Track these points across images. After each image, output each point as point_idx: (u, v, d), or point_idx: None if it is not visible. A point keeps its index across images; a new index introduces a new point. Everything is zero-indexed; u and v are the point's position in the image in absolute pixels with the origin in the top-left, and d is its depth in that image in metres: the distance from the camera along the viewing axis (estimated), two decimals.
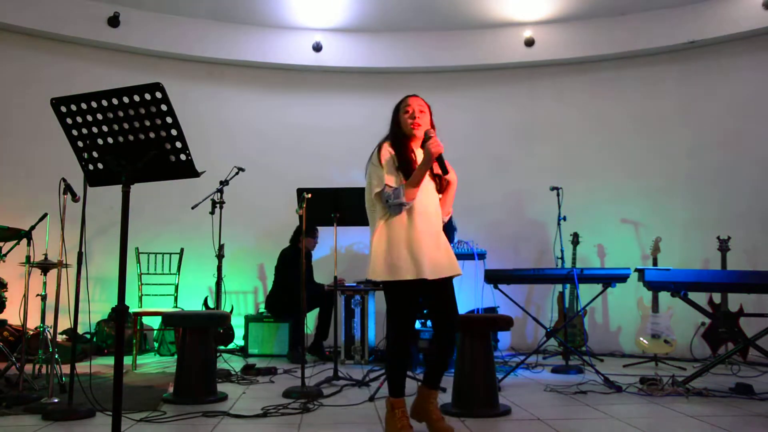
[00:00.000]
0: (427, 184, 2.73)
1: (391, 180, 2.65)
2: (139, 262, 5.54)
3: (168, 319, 4.16)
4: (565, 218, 5.45)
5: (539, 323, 4.69)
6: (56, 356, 3.48)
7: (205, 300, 5.88)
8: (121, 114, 2.12)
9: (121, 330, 2.06)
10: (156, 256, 5.63)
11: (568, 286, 5.28)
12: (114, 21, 6.05)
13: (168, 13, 6.30)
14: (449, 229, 4.78)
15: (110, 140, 2.18)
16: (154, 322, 5.98)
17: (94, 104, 2.13)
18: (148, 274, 5.57)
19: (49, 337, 3.71)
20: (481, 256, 5.30)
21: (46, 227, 3.87)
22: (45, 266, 3.71)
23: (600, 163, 6.36)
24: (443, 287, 2.74)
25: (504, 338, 6.17)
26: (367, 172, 2.81)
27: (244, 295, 6.49)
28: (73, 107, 2.15)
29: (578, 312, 5.38)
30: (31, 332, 4.70)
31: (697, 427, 2.87)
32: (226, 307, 5.67)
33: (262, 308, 6.09)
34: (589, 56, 6.41)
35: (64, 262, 3.40)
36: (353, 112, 6.78)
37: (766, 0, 5.57)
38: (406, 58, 6.70)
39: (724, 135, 5.93)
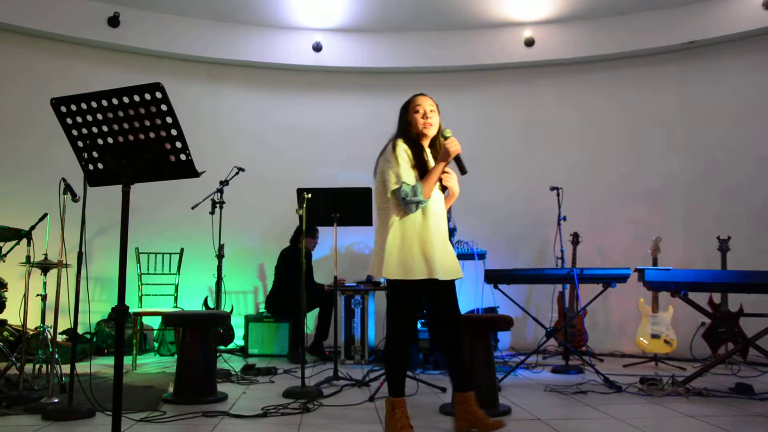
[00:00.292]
0: (436, 186, 2.74)
1: (408, 177, 2.63)
2: (139, 262, 5.54)
3: (168, 319, 4.16)
4: (565, 218, 5.45)
5: (539, 323, 4.69)
6: (56, 356, 3.48)
7: (205, 300, 5.88)
8: (121, 114, 2.12)
9: (121, 330, 2.06)
10: (156, 256, 5.63)
11: (568, 286, 5.28)
12: (114, 21, 6.05)
13: (168, 13, 6.30)
14: (450, 229, 4.78)
15: (110, 140, 2.18)
16: (154, 322, 5.98)
17: (94, 104, 2.13)
18: (148, 274, 5.57)
19: (49, 337, 3.71)
20: (481, 256, 5.30)
21: (46, 227, 3.87)
22: (45, 266, 3.71)
23: (600, 162, 6.37)
24: (449, 289, 2.75)
25: (504, 338, 6.17)
26: (378, 169, 2.77)
27: (244, 295, 6.49)
28: (73, 107, 2.15)
29: (578, 312, 5.37)
30: (31, 332, 4.70)
31: (697, 427, 2.87)
32: (226, 307, 5.67)
33: (262, 308, 6.09)
34: (589, 56, 6.41)
35: (64, 262, 3.40)
36: (353, 112, 6.78)
37: (766, 0, 5.57)
38: (406, 58, 6.70)
39: (724, 135, 5.93)
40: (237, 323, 5.88)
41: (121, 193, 2.12)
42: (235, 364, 4.74)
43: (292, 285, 5.33)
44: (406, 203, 2.62)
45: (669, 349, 5.03)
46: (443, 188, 2.81)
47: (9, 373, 3.85)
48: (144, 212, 5.61)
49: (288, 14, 6.40)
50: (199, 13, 6.33)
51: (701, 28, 5.93)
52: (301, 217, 3.89)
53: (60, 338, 5.06)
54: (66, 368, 3.70)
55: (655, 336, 5.06)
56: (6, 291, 4.01)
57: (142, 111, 2.10)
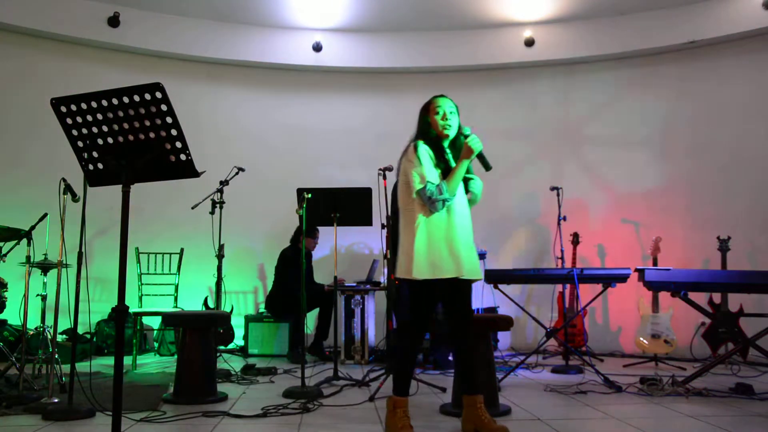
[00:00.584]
0: (459, 184, 2.75)
1: (432, 176, 2.65)
2: (139, 262, 5.54)
3: (168, 319, 4.16)
4: (565, 218, 5.45)
5: (539, 323, 4.69)
6: (56, 356, 3.48)
7: (205, 300, 5.88)
8: (121, 114, 2.12)
9: (121, 330, 2.06)
10: (156, 256, 5.63)
11: (568, 286, 5.28)
12: (114, 21, 6.05)
13: (168, 13, 6.30)
14: None
15: (110, 140, 2.18)
16: (154, 322, 5.98)
17: (94, 104, 2.13)
18: (148, 274, 5.57)
19: (49, 337, 3.71)
20: (481, 256, 5.30)
21: (46, 227, 3.87)
22: (45, 266, 3.71)
23: (600, 162, 6.37)
24: (466, 290, 2.76)
25: (504, 338, 6.17)
26: (401, 171, 2.76)
27: (244, 295, 6.49)
28: (73, 107, 2.15)
29: (578, 312, 5.37)
30: (31, 332, 4.70)
31: (697, 427, 2.87)
32: (226, 307, 5.67)
33: (262, 308, 6.09)
34: (589, 56, 6.41)
35: (64, 262, 3.40)
36: (353, 112, 6.78)
37: (766, 0, 5.57)
38: (406, 58, 6.70)
39: (724, 135, 5.93)
40: (237, 323, 5.88)
41: (121, 193, 2.12)
42: (235, 364, 4.74)
43: (292, 285, 5.33)
44: (432, 202, 2.62)
45: (669, 349, 5.03)
46: (467, 190, 2.83)
47: (9, 373, 3.85)
48: (144, 212, 5.61)
49: (288, 14, 6.40)
50: (199, 13, 6.33)
51: (701, 28, 5.93)
52: (301, 217, 3.89)
53: (60, 338, 5.06)
54: (66, 368, 3.70)
55: (655, 336, 5.06)
56: (6, 291, 4.01)
57: (142, 111, 2.10)
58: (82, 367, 4.15)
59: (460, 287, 2.73)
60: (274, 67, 6.70)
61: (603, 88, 6.46)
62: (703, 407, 3.27)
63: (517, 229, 6.42)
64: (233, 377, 4.23)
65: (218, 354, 4.72)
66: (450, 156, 2.80)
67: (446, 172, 2.71)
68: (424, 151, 2.70)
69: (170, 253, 5.67)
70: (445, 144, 2.81)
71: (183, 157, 2.17)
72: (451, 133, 2.76)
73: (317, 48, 6.60)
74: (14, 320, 4.88)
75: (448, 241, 2.64)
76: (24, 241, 3.73)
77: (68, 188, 3.34)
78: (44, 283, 3.72)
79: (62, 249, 3.27)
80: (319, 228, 5.62)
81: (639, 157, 6.24)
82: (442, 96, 2.84)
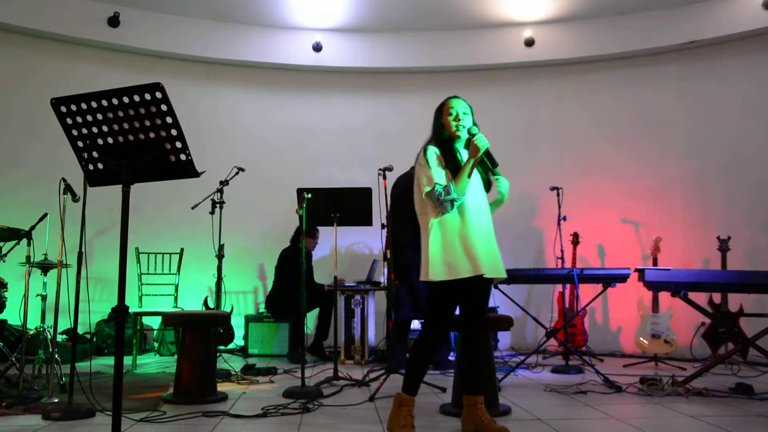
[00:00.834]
0: (476, 183, 2.74)
1: (440, 178, 2.64)
2: (139, 262, 5.53)
3: (168, 319, 4.15)
4: (565, 218, 5.45)
5: (539, 323, 4.69)
6: (56, 356, 3.48)
7: (205, 300, 5.88)
8: (121, 114, 2.12)
9: (121, 330, 2.06)
10: (156, 256, 5.63)
11: (568, 286, 5.28)
12: (114, 21, 6.06)
13: (168, 13, 6.30)
14: None
15: (110, 140, 2.18)
16: (154, 322, 5.98)
17: (94, 104, 2.13)
18: (148, 274, 5.57)
19: (49, 337, 3.71)
20: None
21: (46, 227, 3.87)
22: (45, 266, 3.71)
23: (600, 162, 6.36)
24: (485, 289, 2.75)
25: (504, 338, 6.17)
26: (416, 175, 2.78)
27: (244, 295, 6.50)
28: (73, 107, 2.15)
29: (578, 312, 5.37)
30: (31, 332, 4.70)
31: (697, 427, 2.87)
32: (226, 307, 5.67)
33: (262, 308, 6.09)
34: (589, 56, 6.42)
35: (64, 262, 3.40)
36: (353, 112, 6.79)
37: (766, 0, 5.57)
38: (406, 58, 6.70)
39: (725, 135, 5.93)
40: (237, 323, 5.88)
41: (121, 193, 2.12)
42: (235, 364, 4.74)
43: (292, 285, 5.33)
44: (440, 203, 2.62)
45: (669, 349, 5.03)
46: (488, 187, 2.81)
47: (9, 373, 3.85)
48: (144, 212, 5.61)
49: (288, 14, 6.40)
50: (199, 13, 6.33)
51: (701, 28, 5.93)
52: (301, 217, 3.89)
53: (60, 338, 5.06)
54: (66, 368, 3.70)
55: (655, 336, 5.06)
56: (6, 291, 4.01)
57: (142, 111, 2.10)
58: (82, 367, 4.15)
59: (480, 286, 2.71)
60: (274, 67, 6.70)
61: (603, 88, 6.46)
62: (703, 407, 3.27)
63: (516, 229, 6.41)
64: (233, 377, 4.23)
65: (218, 354, 4.72)
66: (465, 157, 2.80)
67: (457, 172, 2.70)
68: (433, 153, 2.71)
69: (170, 253, 5.67)
70: (460, 145, 2.81)
71: (183, 157, 2.17)
72: (464, 134, 2.75)
73: (317, 48, 6.60)
74: (14, 320, 4.88)
75: (463, 240, 2.62)
76: (24, 241, 3.73)
77: (68, 188, 3.34)
78: (44, 283, 3.72)
79: (62, 249, 3.27)
80: (319, 228, 5.62)
81: (639, 156, 6.24)
82: (455, 97, 2.84)
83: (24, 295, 3.63)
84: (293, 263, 5.36)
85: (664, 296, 4.56)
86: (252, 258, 6.50)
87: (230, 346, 5.87)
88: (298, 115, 6.76)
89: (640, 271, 3.83)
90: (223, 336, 5.70)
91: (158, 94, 2.07)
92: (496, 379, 3.33)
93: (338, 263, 4.98)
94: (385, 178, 4.22)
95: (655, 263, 5.26)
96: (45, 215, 3.89)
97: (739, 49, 5.92)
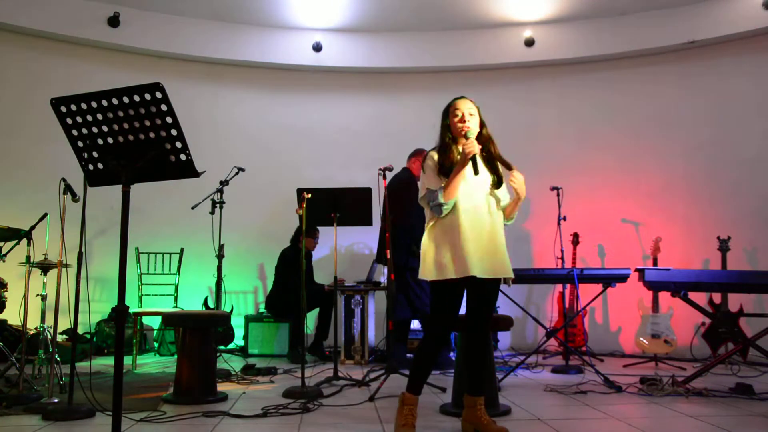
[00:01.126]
0: (477, 184, 2.72)
1: (431, 184, 2.70)
2: (139, 262, 5.54)
3: (168, 319, 4.16)
4: (565, 218, 5.45)
5: (539, 323, 4.69)
6: (56, 356, 3.48)
7: (205, 300, 5.88)
8: (121, 114, 2.12)
9: (121, 330, 2.06)
10: (156, 256, 5.63)
11: (568, 286, 5.28)
12: (114, 21, 6.06)
13: (168, 13, 6.30)
14: None
15: (110, 140, 2.18)
16: (154, 322, 5.98)
17: (94, 104, 2.13)
18: (148, 274, 5.57)
19: (49, 337, 3.71)
20: None
21: (46, 227, 3.87)
22: (45, 266, 3.71)
23: (600, 162, 6.37)
24: (490, 289, 2.73)
25: (504, 338, 6.18)
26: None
27: (244, 295, 6.50)
28: (73, 107, 2.15)
29: (578, 312, 5.38)
30: (31, 332, 4.70)
31: (697, 427, 2.87)
32: (226, 307, 5.67)
33: (262, 308, 6.09)
34: (589, 56, 6.42)
35: (64, 262, 3.40)
36: (353, 112, 6.79)
37: (766, 0, 5.57)
38: (406, 58, 6.70)
39: (725, 134, 5.93)
40: (237, 323, 5.89)
41: (121, 193, 2.12)
42: (235, 364, 4.74)
43: (292, 285, 5.33)
44: (431, 208, 2.70)
45: (669, 349, 5.03)
46: (498, 185, 2.79)
47: (9, 373, 3.85)
48: (144, 212, 5.61)
49: (288, 14, 6.40)
50: (200, 13, 6.33)
51: (701, 28, 5.93)
52: (301, 217, 3.88)
53: (60, 338, 5.06)
54: (66, 368, 3.70)
55: (655, 336, 5.06)
56: (6, 291, 4.01)
57: (142, 111, 2.10)
58: (82, 367, 4.15)
59: (481, 287, 2.70)
60: (274, 67, 6.70)
61: (603, 89, 6.46)
62: (703, 407, 3.27)
63: (516, 229, 6.41)
64: (233, 377, 4.23)
65: (218, 354, 4.72)
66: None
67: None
68: (430, 160, 2.75)
69: (170, 253, 5.67)
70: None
71: (183, 157, 2.17)
72: (470, 135, 2.74)
73: (317, 48, 6.60)
74: (14, 320, 4.87)
75: (453, 241, 2.63)
76: (24, 241, 3.73)
77: (68, 188, 3.34)
78: (44, 283, 3.72)
79: (62, 249, 3.27)
80: (319, 228, 5.62)
81: (639, 156, 6.24)
82: (461, 97, 2.83)
83: (24, 295, 3.63)
84: (293, 263, 5.36)
85: (664, 296, 4.56)
86: (252, 258, 6.50)
87: (230, 346, 5.87)
88: (298, 115, 6.76)
89: (640, 271, 3.83)
90: (223, 336, 5.70)
91: (158, 94, 2.07)
92: (496, 379, 3.33)
93: (338, 263, 4.97)
94: (385, 178, 4.22)
95: (655, 263, 5.26)
96: (45, 215, 3.89)
97: (739, 49, 5.92)
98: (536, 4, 6.17)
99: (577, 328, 5.56)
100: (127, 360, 4.85)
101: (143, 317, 5.35)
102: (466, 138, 2.68)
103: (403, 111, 6.69)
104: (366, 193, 4.19)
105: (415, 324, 5.35)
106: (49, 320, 3.64)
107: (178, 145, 2.15)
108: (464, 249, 2.60)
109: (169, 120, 2.11)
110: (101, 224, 5.87)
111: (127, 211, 2.10)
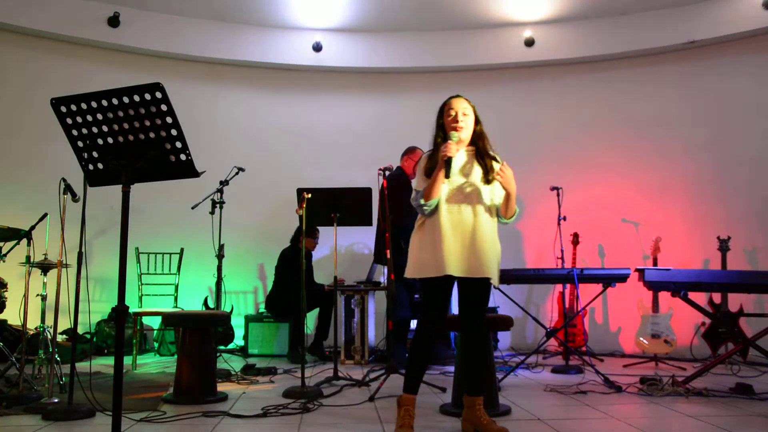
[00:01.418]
0: (467, 182, 2.73)
1: (420, 185, 2.75)
2: (139, 262, 5.54)
3: (168, 319, 4.16)
4: (565, 218, 5.45)
5: (539, 323, 4.69)
6: (56, 356, 3.48)
7: (205, 300, 5.88)
8: (121, 114, 2.12)
9: (121, 330, 2.06)
10: (156, 256, 5.63)
11: (568, 286, 5.28)
12: (114, 21, 6.06)
13: (168, 13, 6.30)
14: None
15: (110, 140, 2.18)
16: (154, 322, 5.98)
17: (94, 104, 2.13)
18: (148, 274, 5.57)
19: (49, 337, 3.71)
20: None
21: (46, 227, 3.87)
22: (45, 266, 3.71)
23: (600, 163, 6.37)
24: (478, 289, 2.74)
25: (504, 338, 6.17)
26: None
27: (244, 295, 6.49)
28: (73, 107, 2.15)
29: (578, 312, 5.37)
30: (31, 332, 4.70)
31: (697, 427, 2.87)
32: (226, 307, 5.67)
33: (262, 308, 6.09)
34: (589, 56, 6.42)
35: (64, 262, 3.40)
36: (353, 112, 6.79)
37: (766, 0, 5.57)
38: (406, 58, 6.70)
39: (725, 134, 5.93)
40: (237, 323, 5.88)
41: (121, 193, 2.12)
42: (235, 364, 4.74)
43: (292, 285, 5.33)
44: (417, 209, 2.75)
45: (669, 349, 5.03)
46: (487, 181, 2.79)
47: (9, 373, 3.85)
48: (144, 212, 5.61)
49: (288, 14, 6.40)
50: (199, 12, 6.33)
51: (701, 28, 5.93)
52: (301, 217, 3.88)
53: (60, 338, 5.06)
54: (66, 368, 3.70)
55: (655, 336, 5.06)
56: (6, 291, 4.01)
57: (142, 111, 2.10)
58: (82, 367, 4.15)
59: (468, 287, 2.73)
60: (274, 67, 6.70)
61: (603, 88, 6.46)
62: (703, 407, 3.27)
63: (516, 229, 6.42)
64: (233, 377, 4.23)
65: (218, 354, 4.72)
66: (458, 158, 2.79)
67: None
68: (422, 161, 2.80)
69: (170, 253, 5.67)
70: (462, 145, 2.80)
71: (183, 157, 2.17)
72: (463, 135, 2.74)
73: (317, 48, 6.60)
74: (14, 320, 4.87)
75: (434, 240, 2.65)
76: (24, 241, 3.73)
77: (68, 188, 3.34)
78: (44, 283, 3.72)
79: (62, 249, 3.27)
80: (319, 228, 5.63)
81: (639, 156, 6.24)
82: (456, 96, 2.83)
83: (24, 295, 3.63)
84: (293, 263, 5.36)
85: (664, 296, 4.56)
86: (252, 258, 6.50)
87: (230, 346, 5.87)
88: (298, 115, 6.75)
89: (640, 271, 3.83)
90: (223, 336, 5.70)
91: (158, 94, 2.07)
92: (496, 379, 3.33)
93: (338, 263, 4.98)
94: (384, 178, 4.22)
95: (655, 263, 5.26)
96: (45, 215, 3.89)
97: (739, 49, 5.92)
98: (536, 4, 6.18)
99: (577, 328, 5.56)
100: (127, 360, 4.85)
101: (143, 317, 5.35)
102: (461, 139, 2.71)
103: (403, 111, 6.69)
104: (366, 193, 4.19)
105: (415, 324, 5.34)
106: (49, 320, 3.64)
107: (178, 145, 2.15)
108: (443, 248, 2.62)
109: (169, 120, 2.11)
110: (101, 224, 5.87)
111: (127, 211, 2.10)
